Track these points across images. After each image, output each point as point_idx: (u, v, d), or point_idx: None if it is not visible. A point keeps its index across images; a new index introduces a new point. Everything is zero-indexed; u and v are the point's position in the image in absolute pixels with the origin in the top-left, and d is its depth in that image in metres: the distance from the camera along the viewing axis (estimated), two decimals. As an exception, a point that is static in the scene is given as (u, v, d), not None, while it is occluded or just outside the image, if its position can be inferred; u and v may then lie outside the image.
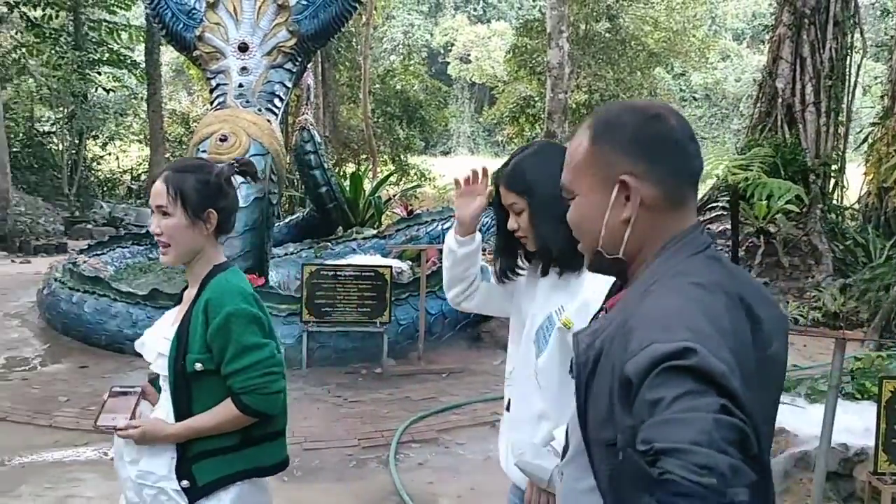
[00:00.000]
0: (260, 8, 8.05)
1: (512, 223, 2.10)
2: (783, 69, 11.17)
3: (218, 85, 8.05)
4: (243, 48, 8.00)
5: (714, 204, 11.43)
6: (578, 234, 1.37)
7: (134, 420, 2.08)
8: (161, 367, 2.12)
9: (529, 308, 2.19)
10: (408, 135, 21.26)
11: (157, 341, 2.15)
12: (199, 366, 2.05)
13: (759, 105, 11.78)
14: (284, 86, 8.24)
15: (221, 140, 7.36)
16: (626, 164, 1.27)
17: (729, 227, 9.93)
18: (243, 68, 7.98)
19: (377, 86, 21.05)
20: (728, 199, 9.84)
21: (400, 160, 21.15)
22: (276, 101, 8.11)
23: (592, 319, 1.47)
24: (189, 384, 2.08)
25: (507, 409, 2.28)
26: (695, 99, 31.76)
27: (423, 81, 22.50)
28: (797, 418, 4.09)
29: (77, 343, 7.02)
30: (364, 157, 20.23)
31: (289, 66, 8.22)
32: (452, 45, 41.16)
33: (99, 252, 8.75)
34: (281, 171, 7.87)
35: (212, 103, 8.26)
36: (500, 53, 33.74)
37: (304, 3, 8.10)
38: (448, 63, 40.75)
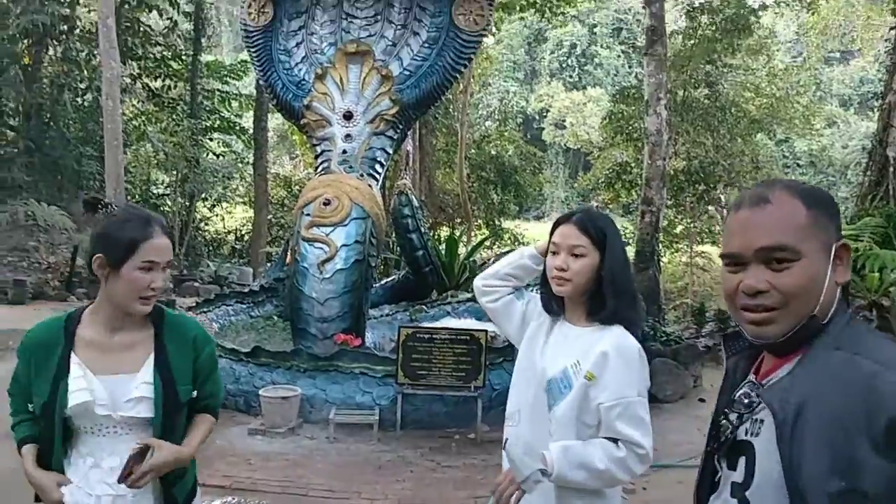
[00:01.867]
0: (364, 78, 8.39)
1: (561, 263, 2.21)
2: (894, 137, 10.78)
3: (323, 151, 8.38)
4: (348, 116, 8.32)
5: (821, 275, 11.01)
6: (798, 298, 1.37)
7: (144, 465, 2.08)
8: (144, 410, 2.13)
9: (540, 357, 2.27)
10: (502, 199, 21.43)
11: (124, 391, 2.13)
12: (194, 394, 2.24)
13: (868, 174, 11.38)
14: (386, 152, 8.51)
15: (325, 204, 7.64)
16: (835, 232, 1.40)
17: (838, 299, 9.52)
18: (347, 135, 8.29)
19: (472, 151, 21.39)
20: (836, 269, 9.45)
21: (494, 224, 21.29)
22: (378, 166, 8.38)
23: (728, 402, 1.50)
24: (180, 414, 2.22)
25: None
26: (798, 166, 30.86)
27: (518, 147, 22.73)
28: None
29: (182, 397, 7.25)
30: (458, 220, 20.47)
31: (390, 133, 8.49)
32: (548, 111, 41.56)
33: (206, 309, 9.09)
34: (380, 234, 8.06)
35: (316, 169, 8.58)
36: (595, 119, 33.80)
37: (407, 73, 8.39)
38: (543, 129, 41.11)
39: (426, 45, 8.41)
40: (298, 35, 8.75)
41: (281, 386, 6.70)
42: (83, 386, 2.10)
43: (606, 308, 2.20)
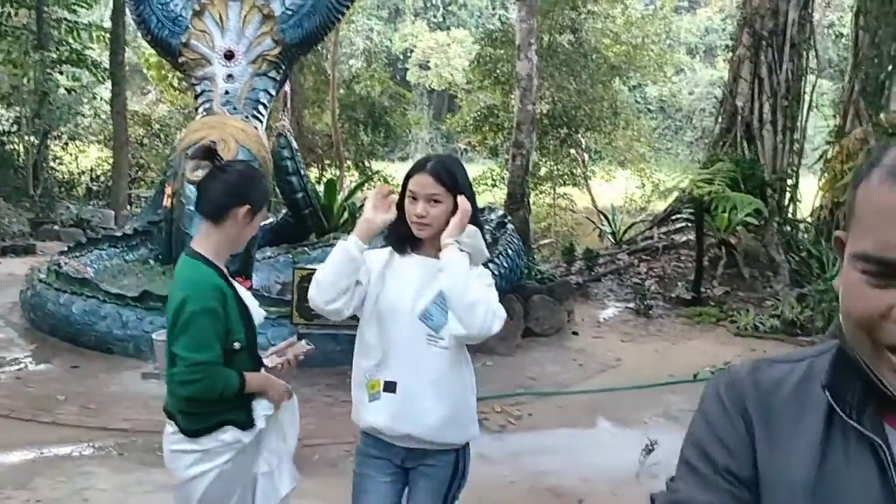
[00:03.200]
0: (245, 17, 8.22)
1: (421, 210, 2.46)
2: (742, 88, 11.70)
3: (203, 91, 8.19)
4: (229, 56, 8.15)
5: (678, 216, 11.89)
6: None
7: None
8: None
9: (404, 292, 2.49)
10: (372, 140, 21.41)
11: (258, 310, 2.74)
12: None
13: (719, 122, 12.30)
14: (269, 93, 8.42)
15: (210, 146, 7.51)
16: None
17: (692, 237, 10.37)
18: (229, 75, 8.13)
19: (342, 91, 21.16)
20: (692, 211, 10.28)
21: (363, 165, 21.28)
22: (261, 108, 8.29)
23: None
24: None
25: (388, 390, 2.50)
26: (649, 111, 32.53)
27: (387, 87, 22.64)
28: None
29: (65, 344, 7.02)
30: (328, 162, 20.32)
31: (273, 74, 8.41)
32: (412, 51, 41.40)
33: (79, 254, 8.74)
34: (267, 177, 8.03)
35: (197, 109, 8.38)
36: (459, 61, 34.12)
37: (289, 12, 8.28)
38: (407, 69, 40.97)
39: (308, -17, 8.32)
40: (173, -33, 8.41)
41: (172, 330, 6.66)
42: (259, 311, 2.71)
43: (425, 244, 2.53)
